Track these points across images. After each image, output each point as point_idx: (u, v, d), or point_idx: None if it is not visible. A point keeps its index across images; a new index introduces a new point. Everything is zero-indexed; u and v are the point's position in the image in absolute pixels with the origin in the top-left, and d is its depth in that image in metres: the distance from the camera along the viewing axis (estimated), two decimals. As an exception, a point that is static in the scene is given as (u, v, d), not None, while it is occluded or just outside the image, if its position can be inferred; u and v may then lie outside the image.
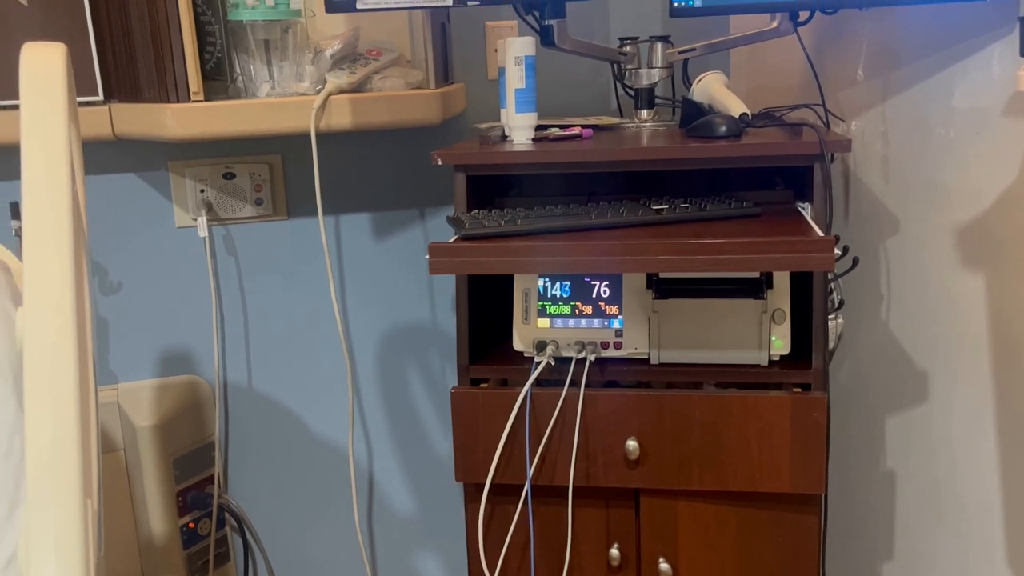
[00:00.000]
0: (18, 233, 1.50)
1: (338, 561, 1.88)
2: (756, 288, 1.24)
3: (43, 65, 0.95)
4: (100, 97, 1.50)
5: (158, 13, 1.42)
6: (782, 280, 1.25)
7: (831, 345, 1.39)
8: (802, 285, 1.26)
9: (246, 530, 1.79)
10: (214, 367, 1.74)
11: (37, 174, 0.89)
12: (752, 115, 1.40)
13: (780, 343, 1.26)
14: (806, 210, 1.27)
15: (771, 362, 1.27)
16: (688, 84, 1.57)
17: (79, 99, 1.38)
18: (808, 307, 1.24)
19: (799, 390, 1.24)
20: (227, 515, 1.78)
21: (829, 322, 1.30)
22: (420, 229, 1.79)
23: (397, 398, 1.85)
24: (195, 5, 1.43)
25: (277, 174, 1.71)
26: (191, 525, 1.67)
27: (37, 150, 0.90)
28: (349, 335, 1.79)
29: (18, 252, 1.21)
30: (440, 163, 1.31)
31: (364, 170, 1.73)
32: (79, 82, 1.44)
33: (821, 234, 1.12)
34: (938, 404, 1.20)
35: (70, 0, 1.51)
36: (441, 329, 1.84)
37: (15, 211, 1.53)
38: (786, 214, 1.28)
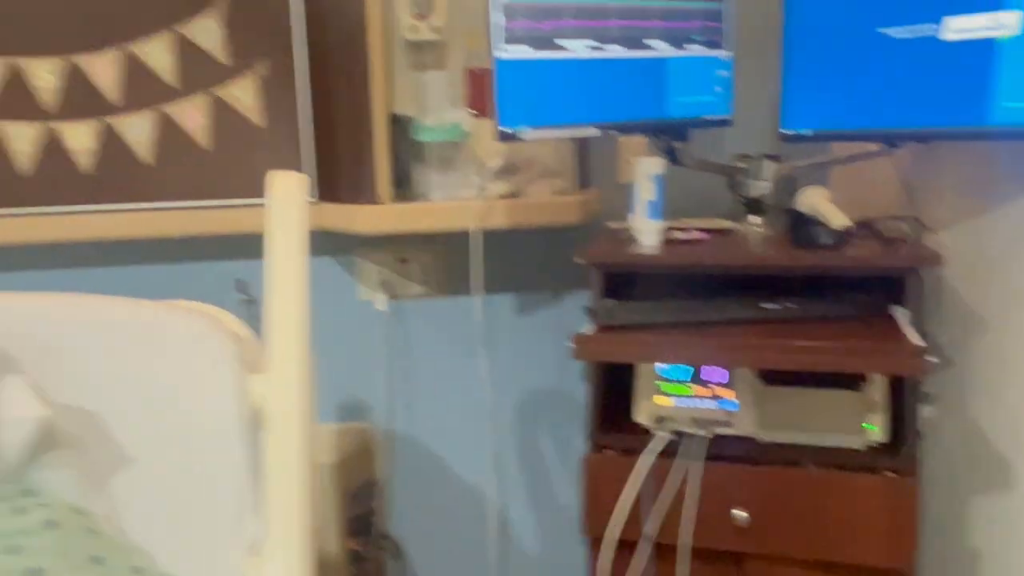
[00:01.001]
0: (243, 303, 1.65)
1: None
2: (854, 381, 1.26)
3: (287, 191, 1.07)
4: (314, 199, 1.63)
5: (362, 133, 1.54)
6: (878, 375, 1.26)
7: (921, 433, 1.38)
8: (897, 377, 1.27)
9: (400, 556, 1.85)
10: (383, 417, 1.81)
11: (282, 278, 1.01)
12: (852, 224, 1.38)
13: (875, 430, 1.26)
14: (900, 314, 1.27)
15: (867, 447, 1.27)
16: (794, 194, 1.54)
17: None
18: (902, 396, 1.25)
19: (892, 474, 1.23)
20: (385, 542, 1.83)
21: (920, 411, 1.29)
22: (556, 308, 1.81)
23: (531, 454, 1.87)
24: (394, 125, 1.55)
25: (442, 261, 1.78)
26: (357, 549, 1.75)
27: (282, 258, 1.02)
28: (493, 396, 1.84)
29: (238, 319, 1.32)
30: (581, 261, 1.37)
31: (513, 258, 1.78)
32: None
33: (914, 342, 1.14)
34: (1020, 492, 1.20)
35: (294, 121, 1.66)
36: (569, 394, 1.83)
37: (240, 287, 1.68)
38: (882, 318, 1.29)
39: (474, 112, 1.64)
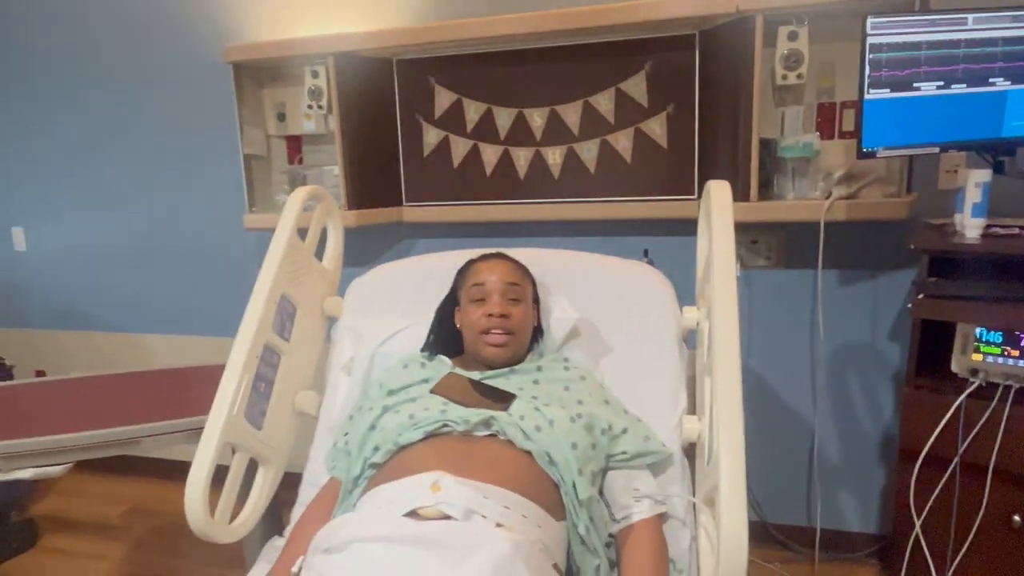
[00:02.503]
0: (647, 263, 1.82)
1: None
2: None
3: (722, 194, 1.15)
4: (695, 196, 1.77)
5: (738, 153, 1.64)
6: None
7: None
8: None
9: None
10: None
11: (721, 244, 1.07)
12: None
13: None
14: None
15: None
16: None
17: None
18: None
19: None
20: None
21: None
22: (873, 283, 1.76)
23: (842, 390, 1.83)
24: (761, 145, 1.61)
25: (783, 242, 1.79)
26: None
27: (721, 232, 1.09)
28: (819, 344, 1.82)
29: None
30: (915, 248, 1.35)
31: (841, 244, 1.73)
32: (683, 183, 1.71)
33: None
34: None
35: (690, 146, 1.78)
36: (877, 349, 1.78)
37: (646, 253, 1.84)
38: None
39: (821, 135, 1.68)
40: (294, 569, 0.99)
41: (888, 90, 1.33)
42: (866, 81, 1.33)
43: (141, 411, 1.42)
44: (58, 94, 2.39)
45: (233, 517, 1.17)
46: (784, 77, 1.63)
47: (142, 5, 2.22)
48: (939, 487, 1.33)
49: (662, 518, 1.08)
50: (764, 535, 1.96)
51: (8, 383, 1.68)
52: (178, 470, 2.43)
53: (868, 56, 1.31)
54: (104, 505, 2.35)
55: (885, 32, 1.31)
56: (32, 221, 2.54)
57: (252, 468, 1.23)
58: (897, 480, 1.39)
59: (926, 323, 1.36)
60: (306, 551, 0.97)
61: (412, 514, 0.88)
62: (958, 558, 1.33)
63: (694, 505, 1.07)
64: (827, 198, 1.62)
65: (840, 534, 1.90)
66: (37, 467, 1.28)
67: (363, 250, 2.13)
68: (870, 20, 1.30)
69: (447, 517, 0.87)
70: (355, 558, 0.84)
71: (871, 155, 1.37)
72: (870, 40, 1.31)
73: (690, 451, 1.18)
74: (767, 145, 1.68)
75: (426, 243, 2.12)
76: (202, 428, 1.10)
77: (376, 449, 1.04)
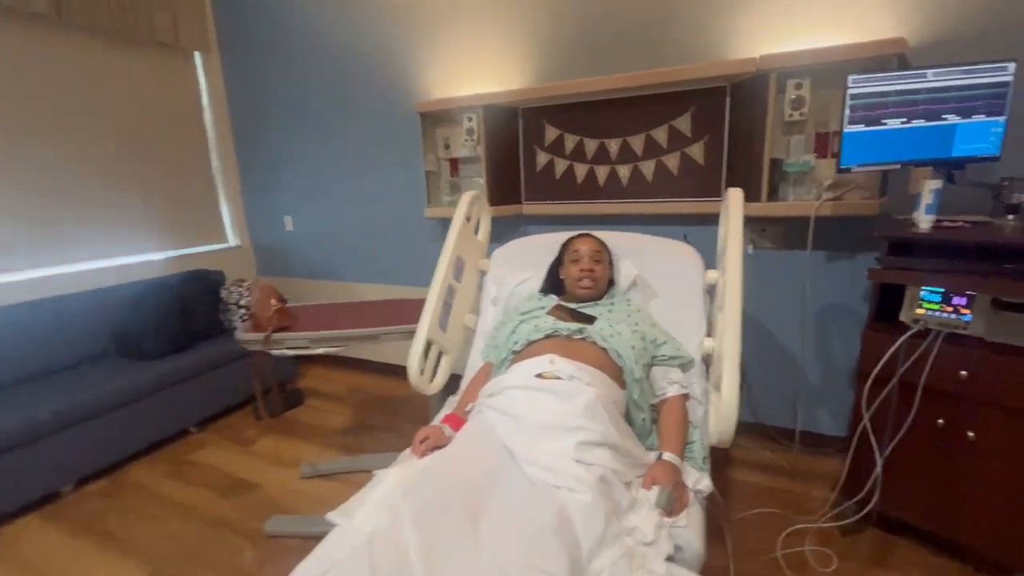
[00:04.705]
0: (688, 242, 1.93)
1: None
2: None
3: (738, 196, 1.25)
4: (720, 199, 1.78)
5: (754, 168, 1.67)
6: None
7: None
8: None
9: (744, 373, 1.97)
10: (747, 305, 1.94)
11: (734, 233, 1.19)
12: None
13: (1080, 344, 1.14)
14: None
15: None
16: (1048, 202, 1.37)
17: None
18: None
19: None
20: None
21: None
22: (851, 261, 1.75)
23: (824, 334, 1.82)
24: (771, 163, 1.65)
25: (784, 231, 1.79)
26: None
27: (735, 225, 1.20)
28: (808, 301, 1.81)
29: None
30: (876, 235, 1.38)
31: (829, 233, 1.73)
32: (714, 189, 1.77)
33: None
34: None
35: (720, 163, 1.81)
36: (852, 308, 1.76)
37: (686, 238, 1.86)
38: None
39: (817, 155, 1.69)
40: (467, 408, 1.26)
41: (862, 125, 1.37)
42: (846, 119, 1.38)
43: (370, 321, 1.75)
44: (315, 136, 2.77)
45: (430, 381, 1.46)
46: (791, 115, 1.66)
47: (367, 78, 2.53)
48: (882, 396, 1.35)
49: (686, 398, 1.25)
50: (761, 432, 1.97)
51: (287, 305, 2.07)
52: (375, 368, 2.80)
53: (848, 103, 1.36)
54: (336, 384, 2.78)
55: (861, 86, 1.35)
56: (297, 211, 2.94)
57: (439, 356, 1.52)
58: (856, 391, 1.42)
59: (885, 287, 1.38)
60: (472, 400, 1.23)
61: (539, 376, 1.12)
62: (893, 443, 1.37)
63: (707, 390, 1.24)
64: (817, 200, 1.65)
65: (816, 435, 1.92)
66: (297, 349, 1.61)
67: (496, 232, 2.35)
68: (850, 78, 1.35)
69: (558, 378, 1.10)
70: (507, 397, 1.09)
71: (847, 171, 1.41)
72: (850, 91, 1.36)
73: (707, 360, 1.31)
74: (776, 163, 1.71)
75: (536, 228, 2.29)
76: (414, 330, 1.38)
77: (516, 342, 1.28)
